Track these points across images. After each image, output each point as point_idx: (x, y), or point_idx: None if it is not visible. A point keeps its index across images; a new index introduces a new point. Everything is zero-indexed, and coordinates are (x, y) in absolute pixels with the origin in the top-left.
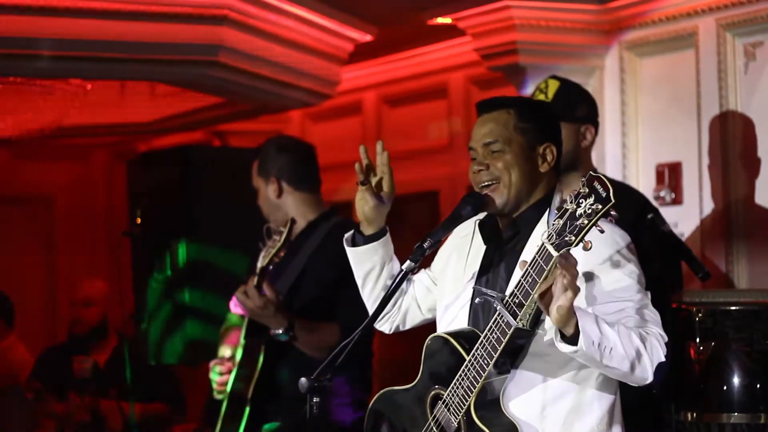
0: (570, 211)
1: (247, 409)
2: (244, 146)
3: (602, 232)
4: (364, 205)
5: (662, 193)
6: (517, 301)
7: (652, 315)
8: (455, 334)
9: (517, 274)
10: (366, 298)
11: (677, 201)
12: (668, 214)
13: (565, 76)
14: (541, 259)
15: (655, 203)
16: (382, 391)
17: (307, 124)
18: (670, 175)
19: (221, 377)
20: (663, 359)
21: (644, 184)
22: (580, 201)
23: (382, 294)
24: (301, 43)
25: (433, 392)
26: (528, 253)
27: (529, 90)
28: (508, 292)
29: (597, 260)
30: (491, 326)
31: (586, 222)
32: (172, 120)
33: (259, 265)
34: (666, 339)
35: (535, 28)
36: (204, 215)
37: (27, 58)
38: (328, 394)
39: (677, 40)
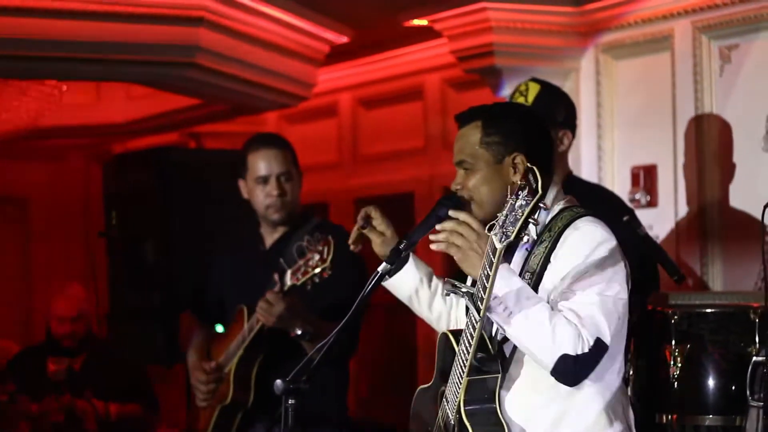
0: (510, 203)
1: (239, 417)
2: (220, 148)
3: (536, 224)
4: (374, 246)
5: (637, 196)
6: (480, 294)
7: (591, 315)
8: (454, 331)
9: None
10: (422, 315)
11: (652, 203)
12: (643, 216)
13: (542, 78)
14: (490, 251)
15: (630, 205)
16: (417, 390)
17: (282, 125)
18: (645, 178)
19: (207, 386)
20: (569, 352)
21: (619, 186)
22: (518, 192)
23: (437, 305)
24: (277, 45)
25: (441, 389)
26: (518, 254)
27: (505, 92)
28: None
29: (571, 261)
30: (467, 321)
31: (520, 214)
32: (148, 121)
33: (289, 282)
34: (590, 343)
35: (512, 30)
36: (179, 217)
37: (2, 59)
38: (304, 397)
39: (653, 42)
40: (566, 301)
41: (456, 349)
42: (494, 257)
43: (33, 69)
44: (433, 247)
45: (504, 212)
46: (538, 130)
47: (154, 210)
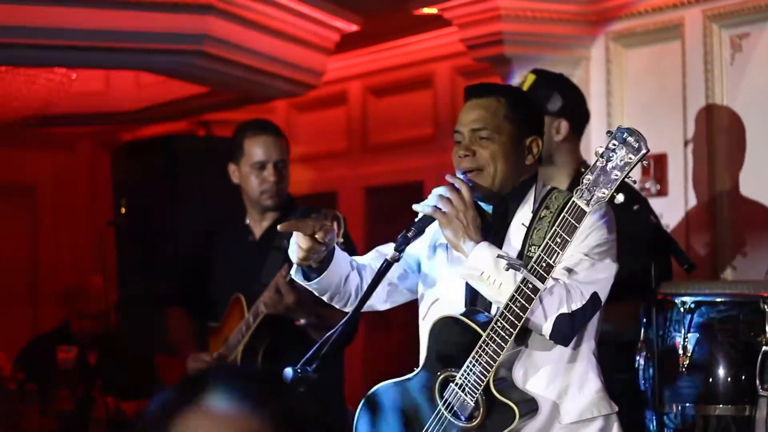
0: (601, 166)
1: None
2: (229, 136)
3: (635, 182)
4: (300, 249)
5: (647, 185)
6: (544, 264)
7: (587, 273)
8: (465, 313)
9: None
10: (337, 305)
11: (662, 192)
12: (654, 205)
13: (551, 67)
14: (571, 217)
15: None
16: (377, 386)
17: (292, 114)
18: (655, 167)
19: None
20: (564, 311)
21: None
22: (611, 155)
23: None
24: (287, 33)
25: (442, 376)
26: (514, 227)
27: (515, 81)
28: (534, 257)
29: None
30: (514, 295)
31: (618, 174)
32: (157, 109)
33: None
34: (584, 299)
35: (522, 19)
36: (188, 205)
37: (12, 47)
38: (312, 385)
39: (663, 31)
40: (565, 263)
41: (479, 330)
42: (579, 223)
43: (42, 57)
44: (416, 208)
45: (591, 176)
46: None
47: (162, 198)
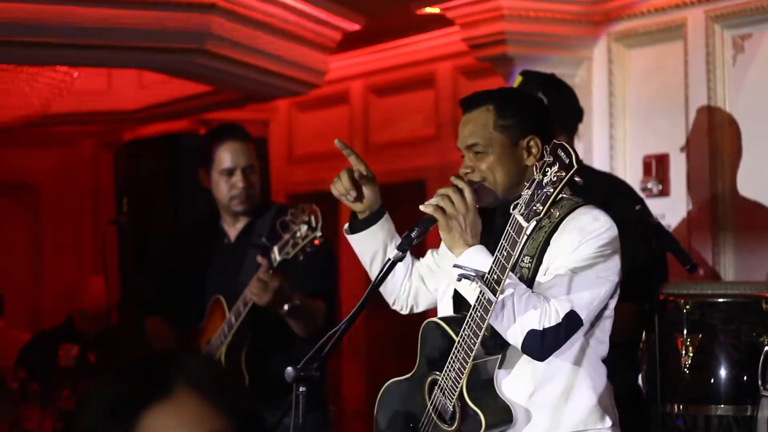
0: (537, 180)
1: None
2: None
3: (572, 194)
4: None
5: (649, 185)
6: (495, 276)
7: (568, 289)
8: (445, 318)
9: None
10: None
11: (664, 192)
12: (655, 205)
13: (554, 67)
14: (512, 231)
15: (642, 195)
16: (387, 383)
17: (294, 113)
18: (657, 167)
19: None
20: (535, 327)
21: (631, 175)
22: (546, 170)
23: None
24: (289, 32)
25: (430, 378)
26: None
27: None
28: (486, 269)
29: (570, 245)
30: (474, 305)
31: (551, 190)
32: (159, 108)
33: (279, 258)
34: (559, 317)
35: (524, 19)
36: (190, 204)
37: (13, 45)
38: (314, 384)
39: (666, 31)
40: (550, 277)
41: (453, 335)
42: (518, 237)
43: (45, 55)
44: (421, 207)
45: (529, 190)
46: (547, 115)
47: (164, 196)
